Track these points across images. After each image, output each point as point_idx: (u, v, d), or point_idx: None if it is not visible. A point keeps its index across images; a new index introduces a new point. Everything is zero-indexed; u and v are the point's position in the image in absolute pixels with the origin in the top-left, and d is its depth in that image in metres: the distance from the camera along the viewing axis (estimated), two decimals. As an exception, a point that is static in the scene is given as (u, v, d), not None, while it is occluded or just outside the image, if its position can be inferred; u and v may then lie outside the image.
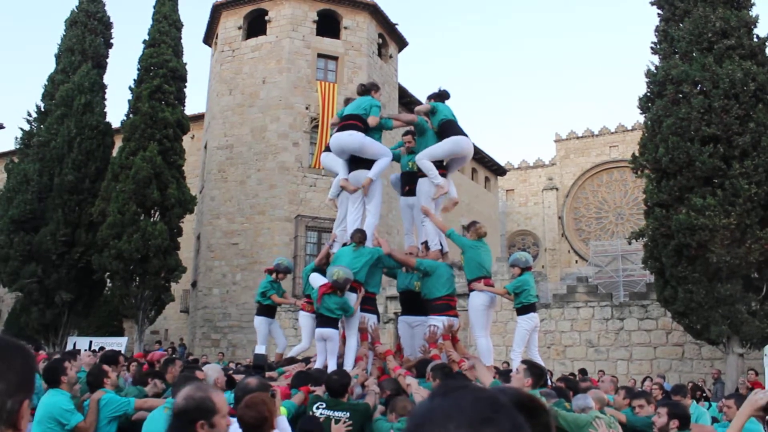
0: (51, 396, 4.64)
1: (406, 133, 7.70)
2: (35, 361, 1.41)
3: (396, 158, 7.93)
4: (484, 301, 6.78)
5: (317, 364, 6.44)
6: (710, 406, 8.70)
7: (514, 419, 1.03)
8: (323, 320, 6.27)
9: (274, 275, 8.28)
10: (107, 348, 14.83)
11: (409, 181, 7.64)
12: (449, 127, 7.19)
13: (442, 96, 7.52)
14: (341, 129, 7.10)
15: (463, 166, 7.49)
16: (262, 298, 8.22)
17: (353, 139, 6.95)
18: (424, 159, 7.08)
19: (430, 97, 7.57)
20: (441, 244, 7.17)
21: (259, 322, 8.26)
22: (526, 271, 7.03)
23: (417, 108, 7.62)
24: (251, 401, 3.39)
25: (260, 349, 7.73)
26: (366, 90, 7.39)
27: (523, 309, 6.98)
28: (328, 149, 7.67)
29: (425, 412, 1.05)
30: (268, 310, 8.30)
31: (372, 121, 7.05)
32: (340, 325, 6.47)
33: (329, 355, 6.27)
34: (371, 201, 7.15)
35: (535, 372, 4.88)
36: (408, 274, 7.27)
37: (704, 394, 11.05)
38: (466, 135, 7.23)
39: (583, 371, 12.78)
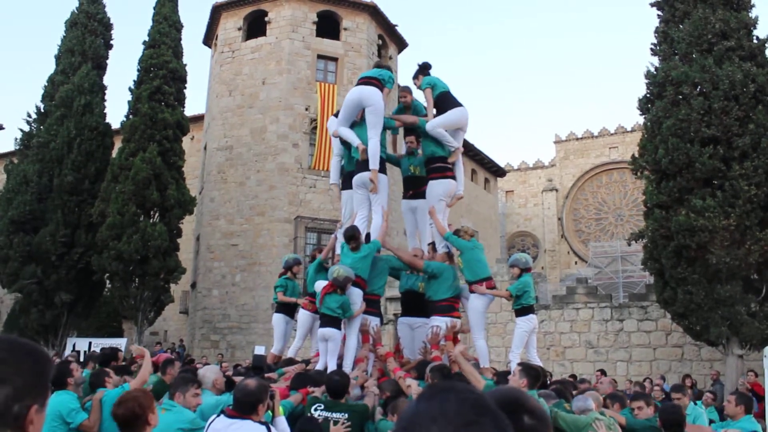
0: (57, 396, 4.77)
1: (408, 134, 7.69)
2: (49, 364, 1.35)
3: (396, 163, 7.95)
4: (484, 303, 6.81)
5: (319, 365, 6.43)
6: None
7: (497, 422, 1.03)
8: (325, 320, 6.28)
9: (288, 273, 8.19)
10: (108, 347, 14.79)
11: (411, 185, 7.64)
12: (447, 99, 7.31)
13: (425, 68, 7.61)
14: (359, 85, 7.25)
15: (460, 135, 7.57)
16: (276, 295, 8.14)
17: (373, 92, 7.05)
18: (438, 128, 7.13)
19: (416, 75, 7.65)
20: (448, 247, 7.17)
21: (276, 319, 8.08)
22: (526, 273, 7.04)
23: (426, 97, 7.52)
24: (123, 398, 3.42)
25: (260, 350, 7.73)
26: (384, 66, 7.64)
27: (523, 310, 6.99)
28: (336, 114, 7.69)
29: (412, 414, 1.06)
30: (286, 309, 8.10)
31: (386, 92, 7.26)
32: (342, 326, 6.46)
33: (330, 355, 6.26)
34: (377, 202, 7.14)
35: (531, 373, 4.90)
36: (412, 275, 7.28)
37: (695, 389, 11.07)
38: (462, 105, 7.37)
39: (602, 371, 12.74)
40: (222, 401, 4.66)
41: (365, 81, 7.28)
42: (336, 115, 7.71)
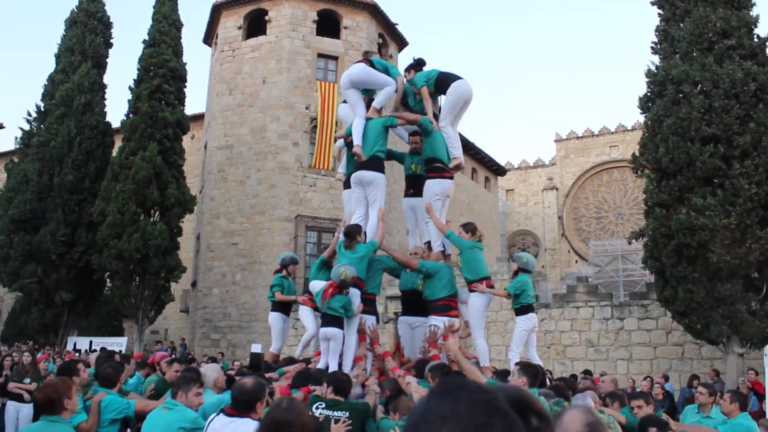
0: None
1: (413, 134, 7.70)
2: None
3: (400, 159, 7.97)
4: (484, 302, 6.81)
5: (320, 364, 6.43)
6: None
7: (509, 424, 1.01)
8: (327, 319, 6.27)
9: (284, 271, 8.17)
10: (108, 348, 14.83)
11: (412, 184, 7.66)
12: (445, 78, 7.36)
13: (420, 65, 7.72)
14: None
15: (466, 110, 7.61)
16: (271, 294, 8.10)
17: (359, 68, 7.24)
18: (447, 127, 7.22)
19: (409, 69, 7.73)
20: (443, 246, 7.17)
21: (273, 318, 8.03)
22: (524, 273, 7.03)
23: (424, 95, 7.53)
24: (43, 384, 4.06)
25: (256, 348, 7.72)
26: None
27: (522, 309, 6.99)
28: (345, 101, 7.75)
29: (422, 412, 1.04)
30: (281, 307, 8.06)
31: (400, 80, 7.47)
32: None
33: (331, 355, 6.26)
34: (374, 201, 7.14)
35: (530, 371, 4.91)
36: (411, 273, 7.27)
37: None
38: (461, 78, 7.38)
39: (587, 371, 12.77)
40: (224, 400, 4.67)
41: (356, 62, 7.47)
42: (346, 101, 7.74)
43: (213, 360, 11.82)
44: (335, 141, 7.95)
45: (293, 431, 2.80)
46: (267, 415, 2.99)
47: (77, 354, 15.49)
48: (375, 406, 4.94)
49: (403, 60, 26.85)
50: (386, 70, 7.45)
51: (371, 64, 7.35)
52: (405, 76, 7.77)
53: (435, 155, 7.22)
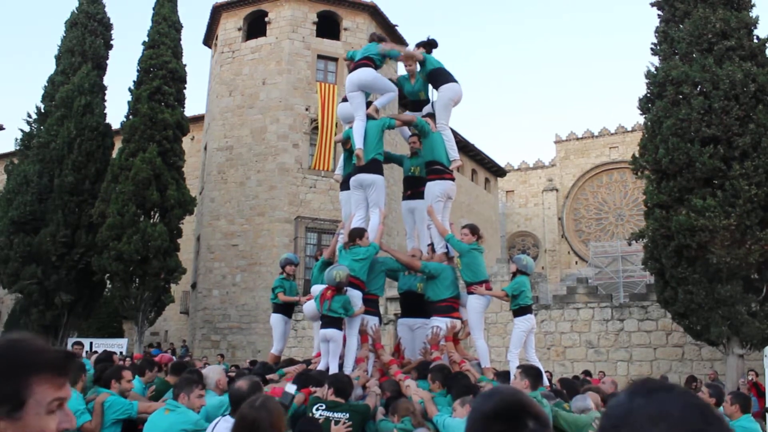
0: None
1: (412, 135, 7.73)
2: (12, 367, 1.17)
3: (398, 162, 7.98)
4: (483, 304, 6.82)
5: (320, 366, 6.43)
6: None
7: None
8: (326, 321, 6.27)
9: (285, 274, 8.17)
10: (108, 349, 14.80)
11: (411, 186, 7.67)
12: (440, 75, 7.44)
13: (431, 45, 7.78)
14: (354, 69, 7.43)
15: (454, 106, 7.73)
16: (274, 296, 8.09)
17: (367, 72, 7.26)
18: (446, 129, 7.33)
19: (419, 45, 7.76)
20: (447, 248, 7.18)
21: (275, 320, 8.02)
22: (523, 275, 7.04)
23: (407, 51, 7.63)
24: None
25: (263, 350, 7.73)
26: (378, 39, 7.80)
27: (520, 311, 6.99)
28: (345, 100, 7.75)
29: (624, 412, 0.96)
30: (284, 308, 8.04)
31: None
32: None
33: (331, 356, 6.26)
34: (374, 203, 7.15)
35: (531, 373, 4.92)
36: (410, 275, 7.28)
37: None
38: (456, 81, 7.46)
39: (587, 372, 12.77)
40: (225, 402, 4.67)
41: (356, 63, 7.42)
42: (345, 99, 7.76)
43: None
44: (336, 141, 7.99)
45: (263, 430, 2.74)
46: (239, 412, 2.91)
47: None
48: (375, 408, 4.94)
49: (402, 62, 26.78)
50: (382, 57, 7.49)
51: (375, 67, 7.37)
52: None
53: (434, 157, 7.24)
